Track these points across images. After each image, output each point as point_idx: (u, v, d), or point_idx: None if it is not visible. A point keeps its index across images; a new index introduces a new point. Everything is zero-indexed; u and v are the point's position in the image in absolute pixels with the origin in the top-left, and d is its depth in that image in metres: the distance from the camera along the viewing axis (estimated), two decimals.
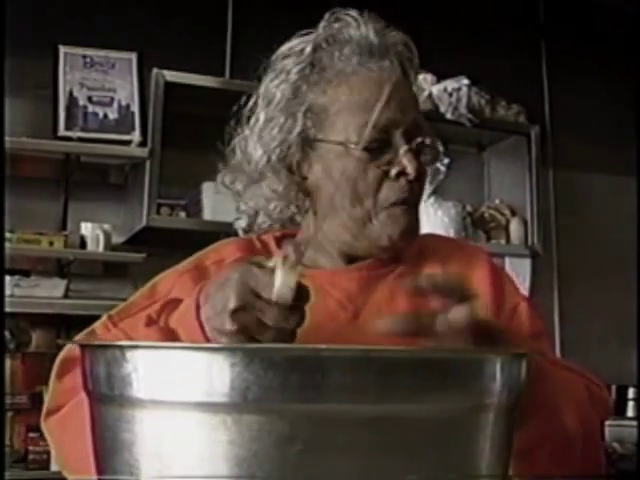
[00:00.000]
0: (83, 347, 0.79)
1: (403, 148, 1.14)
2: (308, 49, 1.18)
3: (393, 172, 1.14)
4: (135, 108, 3.06)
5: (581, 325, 3.77)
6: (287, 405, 0.65)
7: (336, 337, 1.11)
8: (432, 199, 3.31)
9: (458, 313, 0.86)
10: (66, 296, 2.95)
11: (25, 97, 3.02)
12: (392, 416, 0.67)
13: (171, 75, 3.07)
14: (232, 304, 0.83)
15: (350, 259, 1.22)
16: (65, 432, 1.05)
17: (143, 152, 2.98)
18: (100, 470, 0.77)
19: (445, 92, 3.47)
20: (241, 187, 1.24)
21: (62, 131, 2.95)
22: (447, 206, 3.43)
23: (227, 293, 0.84)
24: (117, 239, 3.12)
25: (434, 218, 3.34)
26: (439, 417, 0.69)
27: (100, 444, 0.76)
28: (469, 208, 3.62)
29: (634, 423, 1.23)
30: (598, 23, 4.02)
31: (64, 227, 3.11)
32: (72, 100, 3.00)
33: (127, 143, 3.00)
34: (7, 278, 2.75)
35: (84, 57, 3.07)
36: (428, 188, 1.24)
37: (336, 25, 1.18)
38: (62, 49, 3.04)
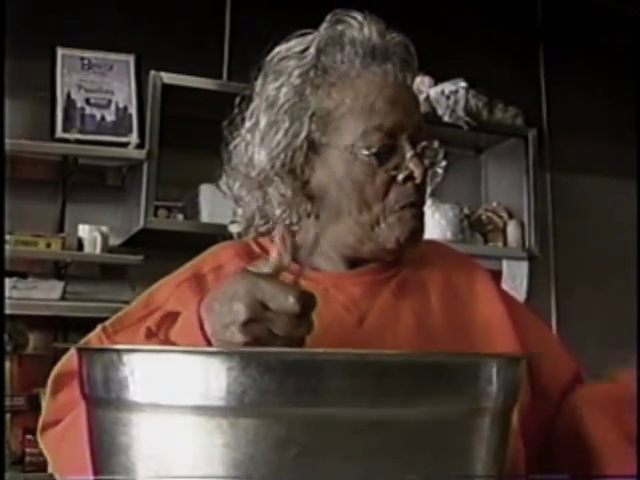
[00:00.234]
0: (80, 351, 0.79)
1: (410, 152, 1.13)
2: (311, 51, 1.16)
3: (400, 177, 1.14)
4: (133, 110, 3.06)
5: (578, 328, 3.76)
6: (283, 409, 0.65)
7: (343, 342, 1.11)
8: (429, 201, 3.29)
9: None
10: (63, 298, 2.95)
11: (23, 99, 3.02)
12: (388, 420, 0.67)
13: (169, 77, 3.07)
14: (242, 317, 0.82)
15: (351, 262, 1.21)
16: (63, 445, 1.04)
17: (140, 154, 2.98)
18: (97, 473, 0.77)
19: (442, 95, 3.47)
20: (244, 192, 1.22)
21: (60, 133, 2.95)
22: (444, 208, 3.43)
23: (236, 306, 0.83)
24: (114, 241, 3.12)
25: (431, 220, 3.33)
26: (435, 421, 0.69)
27: (97, 447, 0.76)
28: (466, 210, 3.62)
29: None
30: (595, 26, 4.02)
31: (61, 229, 3.10)
32: (70, 102, 3.00)
33: (125, 145, 3.00)
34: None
35: (82, 59, 3.07)
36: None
37: (339, 27, 1.17)
38: (60, 51, 3.04)
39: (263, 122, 1.18)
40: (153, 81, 3.04)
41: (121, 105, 3.06)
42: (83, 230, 3.01)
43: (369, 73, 1.15)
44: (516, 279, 3.67)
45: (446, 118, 3.47)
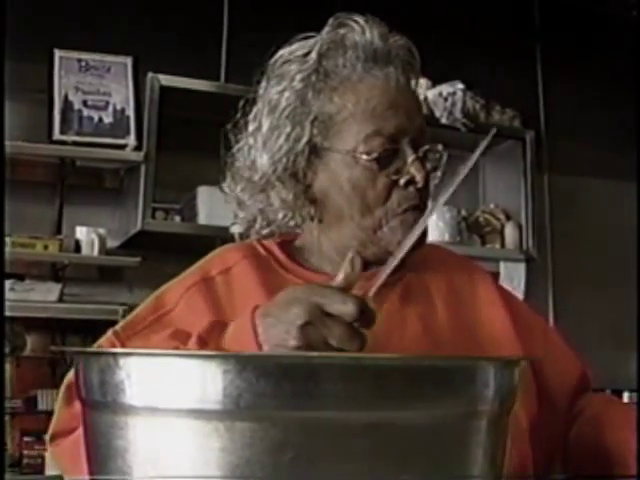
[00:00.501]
0: (77, 354, 0.79)
1: (411, 157, 1.13)
2: (313, 55, 1.16)
3: (402, 181, 1.14)
4: (130, 112, 3.06)
5: (576, 329, 3.73)
6: (279, 412, 0.65)
7: None
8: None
9: None
10: (61, 300, 2.95)
11: (20, 101, 3.02)
12: (384, 423, 0.67)
13: (166, 79, 3.07)
14: (300, 320, 0.83)
15: None
16: (80, 454, 1.03)
17: (138, 156, 2.98)
18: (94, 476, 0.77)
19: (440, 97, 3.48)
20: (246, 196, 1.22)
21: (57, 135, 2.95)
22: (442, 210, 3.42)
23: (295, 310, 0.85)
24: (112, 243, 3.12)
25: (429, 222, 3.33)
26: (432, 424, 0.69)
27: (93, 451, 0.76)
28: (464, 212, 3.63)
29: None
30: (593, 28, 4.02)
31: (59, 231, 3.10)
32: (67, 104, 3.00)
33: (122, 147, 3.00)
34: None
35: (79, 61, 3.08)
36: None
37: (341, 30, 1.17)
38: (57, 53, 3.05)
39: (265, 126, 1.18)
40: (151, 83, 3.04)
41: (119, 107, 3.06)
42: (81, 232, 3.01)
43: (371, 77, 1.15)
44: (514, 281, 3.67)
45: (444, 120, 3.47)
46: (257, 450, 0.65)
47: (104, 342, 1.17)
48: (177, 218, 3.13)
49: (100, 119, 3.03)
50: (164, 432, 0.68)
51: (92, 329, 3.11)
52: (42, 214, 3.13)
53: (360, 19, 1.17)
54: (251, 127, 1.21)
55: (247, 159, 1.21)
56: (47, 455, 2.71)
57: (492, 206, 3.75)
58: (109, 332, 1.18)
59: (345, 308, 0.83)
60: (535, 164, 3.73)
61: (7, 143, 2.77)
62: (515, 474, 1.04)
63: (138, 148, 2.99)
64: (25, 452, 2.77)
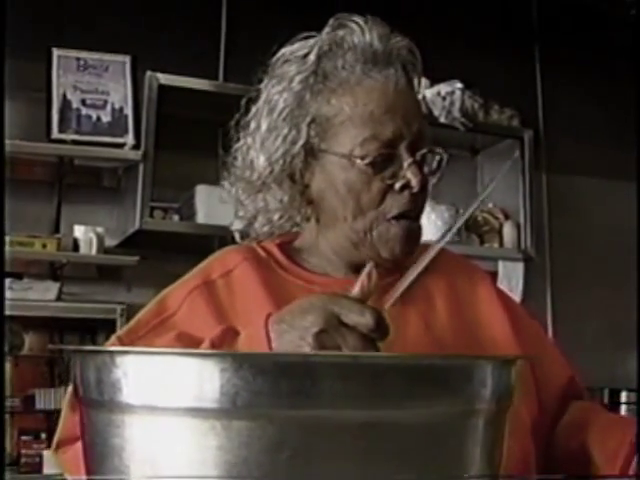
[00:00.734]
0: (74, 353, 0.79)
1: (407, 161, 1.13)
2: (312, 57, 1.16)
3: (397, 185, 1.14)
4: (128, 111, 3.06)
5: (574, 329, 3.77)
6: (277, 411, 0.65)
7: None
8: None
9: None
10: (59, 299, 2.95)
11: (19, 100, 3.01)
12: (382, 422, 0.67)
13: (165, 78, 3.07)
14: (316, 327, 0.84)
15: (354, 267, 1.21)
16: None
17: (136, 155, 2.98)
18: (90, 475, 0.77)
19: (438, 96, 3.48)
20: (244, 196, 1.22)
21: (55, 134, 2.95)
22: (440, 209, 3.43)
23: (311, 317, 0.85)
24: (110, 242, 3.12)
25: (427, 222, 3.33)
26: (429, 423, 0.70)
27: (90, 449, 0.76)
28: (462, 211, 3.62)
29: None
30: (591, 26, 4.02)
31: (57, 230, 3.10)
32: (65, 103, 3.00)
33: (120, 146, 3.00)
34: None
35: (78, 60, 3.07)
36: None
37: (340, 32, 1.16)
38: (56, 52, 3.04)
39: (264, 126, 1.18)
40: (149, 82, 3.04)
41: (117, 106, 3.06)
42: (79, 231, 3.01)
43: (369, 80, 1.14)
44: (512, 280, 3.67)
45: (442, 119, 3.47)
46: (254, 449, 0.65)
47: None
48: (175, 217, 3.13)
49: (98, 118, 3.03)
50: (161, 431, 0.68)
51: (90, 328, 3.12)
52: (40, 213, 3.13)
53: (360, 20, 1.17)
54: (251, 126, 1.21)
55: (246, 159, 1.21)
56: (45, 454, 2.71)
57: (490, 205, 3.75)
58: (112, 338, 1.19)
59: (362, 319, 0.84)
60: (534, 163, 3.73)
61: (6, 142, 2.77)
62: (517, 471, 1.05)
63: (136, 147, 2.99)
64: (23, 451, 2.77)
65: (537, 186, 3.82)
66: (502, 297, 1.28)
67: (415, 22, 3.11)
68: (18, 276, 2.92)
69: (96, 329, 3.11)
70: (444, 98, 3.47)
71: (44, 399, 2.87)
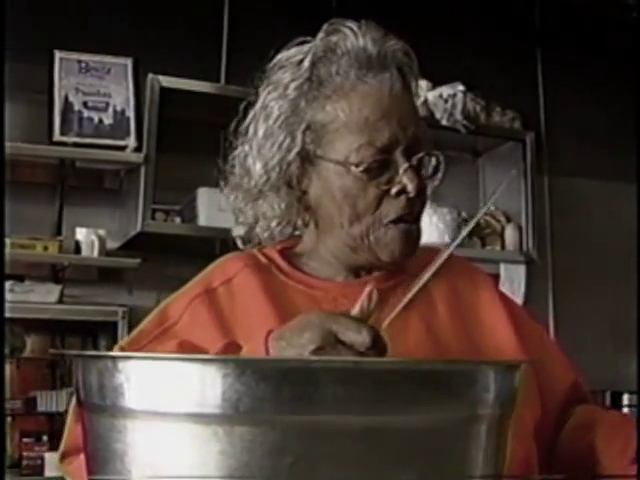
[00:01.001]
0: (76, 357, 0.79)
1: (403, 166, 1.13)
2: (306, 63, 1.16)
3: (393, 190, 1.14)
4: (130, 113, 3.06)
5: (576, 331, 3.77)
6: (279, 416, 0.65)
7: None
8: (427, 205, 3.30)
9: None
10: (60, 301, 2.95)
11: (20, 102, 3.01)
12: (384, 427, 0.67)
13: (166, 80, 3.07)
14: (313, 345, 0.85)
15: (354, 271, 1.22)
16: None
17: (138, 157, 2.98)
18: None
19: (440, 98, 3.48)
20: (242, 204, 1.23)
21: (57, 136, 2.95)
22: (442, 212, 3.43)
23: (308, 334, 0.86)
24: (112, 244, 3.12)
25: (429, 224, 3.34)
26: (431, 428, 0.69)
27: (92, 454, 0.76)
28: (464, 214, 3.62)
29: None
30: (593, 30, 4.02)
31: (59, 232, 3.10)
32: (67, 105, 3.00)
33: (122, 148, 3.00)
34: None
35: (79, 62, 3.07)
36: None
37: (333, 38, 1.16)
38: (58, 54, 3.05)
39: (260, 134, 1.19)
40: (151, 84, 3.04)
41: (119, 108, 3.06)
42: (80, 233, 3.01)
43: (364, 85, 1.14)
44: (514, 283, 3.67)
45: (444, 122, 3.47)
46: (256, 454, 0.65)
47: None
48: (177, 219, 3.13)
49: (100, 120, 3.03)
50: (163, 436, 0.68)
51: (92, 330, 3.12)
52: (42, 215, 3.13)
53: (353, 25, 1.16)
54: (249, 133, 1.21)
55: (243, 166, 1.21)
56: (47, 456, 2.71)
57: (492, 208, 3.74)
58: (115, 348, 1.19)
59: (359, 337, 0.84)
60: (535, 166, 3.73)
61: (8, 144, 2.77)
62: (520, 472, 1.05)
63: (138, 149, 2.99)
64: (24, 453, 2.77)
65: (539, 188, 3.82)
66: (505, 300, 1.27)
67: (417, 25, 3.12)
68: (19, 278, 2.92)
69: (97, 331, 3.11)
70: (446, 100, 3.47)
71: (45, 401, 2.87)
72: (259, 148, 1.18)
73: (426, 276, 0.98)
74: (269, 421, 0.65)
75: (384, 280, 1.20)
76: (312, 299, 1.17)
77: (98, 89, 3.06)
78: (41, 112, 2.99)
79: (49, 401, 2.87)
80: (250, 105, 1.23)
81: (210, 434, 0.66)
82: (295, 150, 1.15)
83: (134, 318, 2.82)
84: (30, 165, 3.09)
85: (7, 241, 2.76)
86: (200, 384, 0.66)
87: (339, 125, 1.13)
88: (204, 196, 3.05)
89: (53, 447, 2.70)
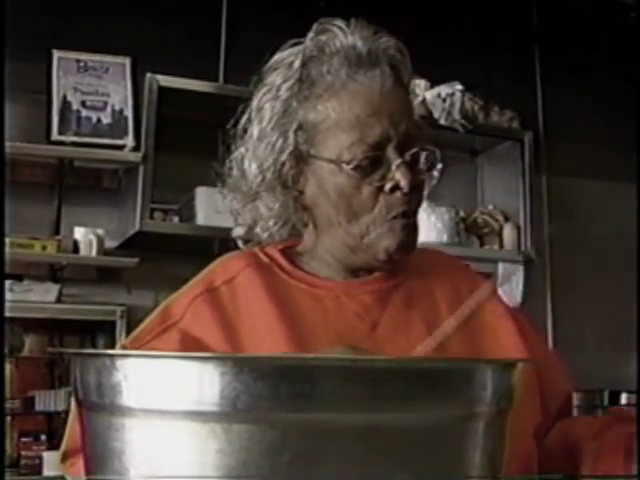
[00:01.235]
0: (74, 355, 0.79)
1: (396, 162, 1.13)
2: (297, 64, 1.16)
3: (387, 187, 1.13)
4: (129, 113, 3.06)
5: (574, 331, 3.77)
6: (277, 414, 0.65)
7: None
8: (425, 204, 3.29)
9: None
10: (59, 301, 2.95)
11: (18, 101, 3.01)
12: (382, 425, 0.67)
13: (165, 80, 3.07)
14: None
15: (353, 271, 1.22)
16: None
17: (136, 157, 2.98)
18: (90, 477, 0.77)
19: (438, 98, 3.48)
20: (240, 205, 1.23)
21: (55, 135, 2.95)
22: (440, 211, 3.43)
23: None
24: (110, 244, 3.12)
25: (427, 223, 3.34)
26: (430, 426, 0.69)
27: (90, 452, 0.76)
28: (462, 213, 3.63)
29: None
30: (592, 29, 4.02)
31: (57, 232, 3.10)
32: (65, 104, 3.00)
33: (120, 148, 3.00)
34: None
35: (78, 61, 3.08)
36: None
37: (323, 37, 1.16)
38: (56, 53, 3.05)
39: (255, 135, 1.19)
40: (149, 83, 3.04)
41: (117, 108, 3.06)
42: (79, 233, 3.01)
43: (354, 83, 1.14)
44: (512, 282, 3.67)
45: (442, 121, 3.47)
46: (254, 452, 0.65)
47: None
48: (175, 219, 3.13)
49: (98, 120, 3.03)
50: (161, 434, 0.68)
51: (90, 330, 3.12)
52: (40, 215, 3.13)
53: (342, 24, 1.17)
54: (245, 135, 1.22)
55: (240, 168, 1.22)
56: (45, 455, 2.71)
57: (490, 207, 3.75)
58: (117, 346, 1.19)
59: None
60: (534, 165, 3.73)
61: (6, 144, 2.77)
62: (520, 472, 1.05)
63: (136, 149, 2.99)
64: (23, 453, 2.77)
65: (537, 188, 3.83)
66: (508, 308, 1.28)
67: (416, 24, 3.12)
68: (18, 278, 2.92)
69: (96, 331, 3.11)
70: (444, 100, 3.47)
71: (44, 401, 2.87)
72: (254, 149, 1.19)
73: (470, 305, 0.98)
74: (267, 419, 0.65)
75: (384, 280, 1.20)
76: (315, 297, 1.17)
77: (96, 88, 3.06)
78: (39, 111, 2.99)
79: (48, 400, 2.87)
80: (247, 107, 1.23)
81: (208, 432, 0.66)
82: (288, 150, 1.16)
83: (133, 317, 2.82)
84: (28, 164, 3.09)
85: (7, 241, 2.76)
86: (198, 382, 0.66)
87: (330, 124, 1.14)
88: (202, 195, 3.05)
89: (52, 446, 2.70)
